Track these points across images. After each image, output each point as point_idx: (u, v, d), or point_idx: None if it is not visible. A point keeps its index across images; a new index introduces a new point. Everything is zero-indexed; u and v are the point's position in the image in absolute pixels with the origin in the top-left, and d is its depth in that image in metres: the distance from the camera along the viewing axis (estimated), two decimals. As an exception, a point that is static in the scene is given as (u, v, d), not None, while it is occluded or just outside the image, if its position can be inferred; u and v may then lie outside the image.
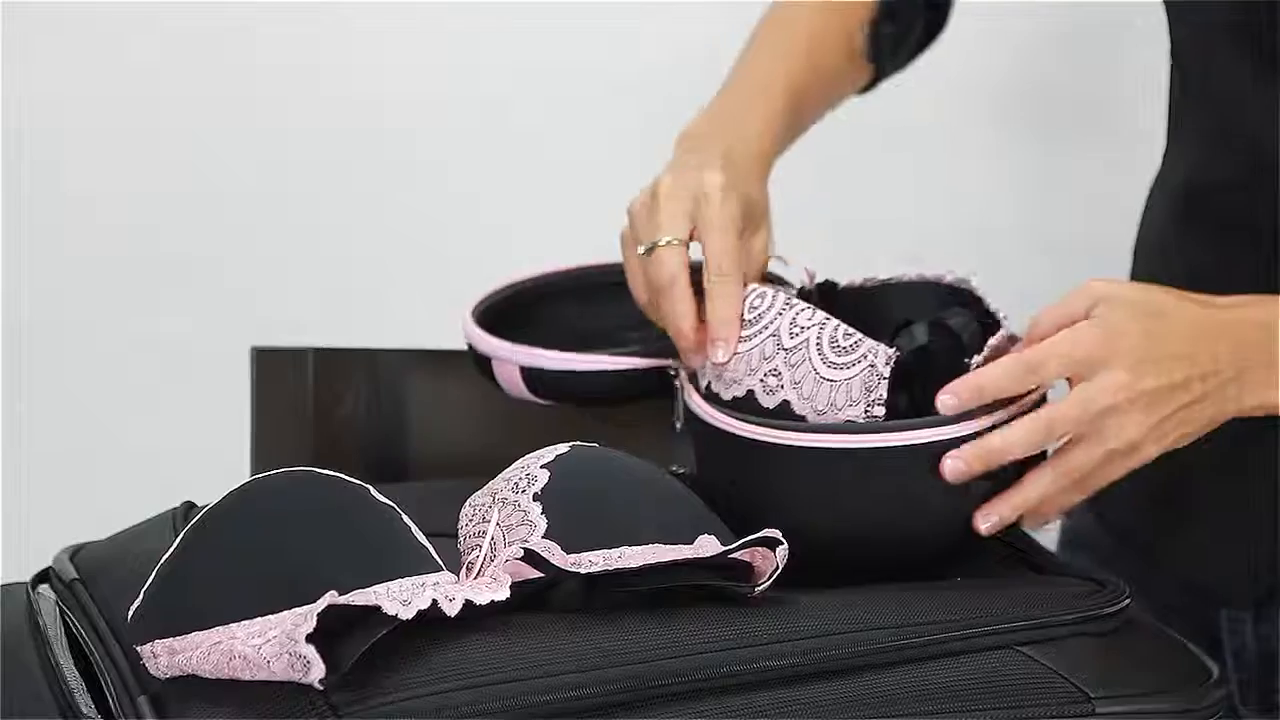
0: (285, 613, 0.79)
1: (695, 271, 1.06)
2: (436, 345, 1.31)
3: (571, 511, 0.89)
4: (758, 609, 0.88)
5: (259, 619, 0.79)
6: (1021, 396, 0.98)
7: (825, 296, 1.08)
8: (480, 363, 1.15)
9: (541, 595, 0.86)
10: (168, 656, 0.80)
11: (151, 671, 0.81)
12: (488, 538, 0.89)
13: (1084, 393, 0.96)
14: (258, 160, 1.69)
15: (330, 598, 0.78)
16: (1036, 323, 0.99)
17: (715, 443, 1.00)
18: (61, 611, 0.93)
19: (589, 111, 1.71)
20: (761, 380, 0.98)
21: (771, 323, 0.99)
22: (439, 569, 0.85)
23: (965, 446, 0.95)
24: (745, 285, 1.03)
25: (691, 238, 1.06)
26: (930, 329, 1.03)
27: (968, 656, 0.88)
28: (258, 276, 1.71)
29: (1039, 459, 0.98)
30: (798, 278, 1.11)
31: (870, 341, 0.97)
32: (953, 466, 0.95)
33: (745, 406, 0.99)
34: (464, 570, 0.87)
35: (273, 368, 1.26)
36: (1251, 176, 1.12)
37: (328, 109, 1.69)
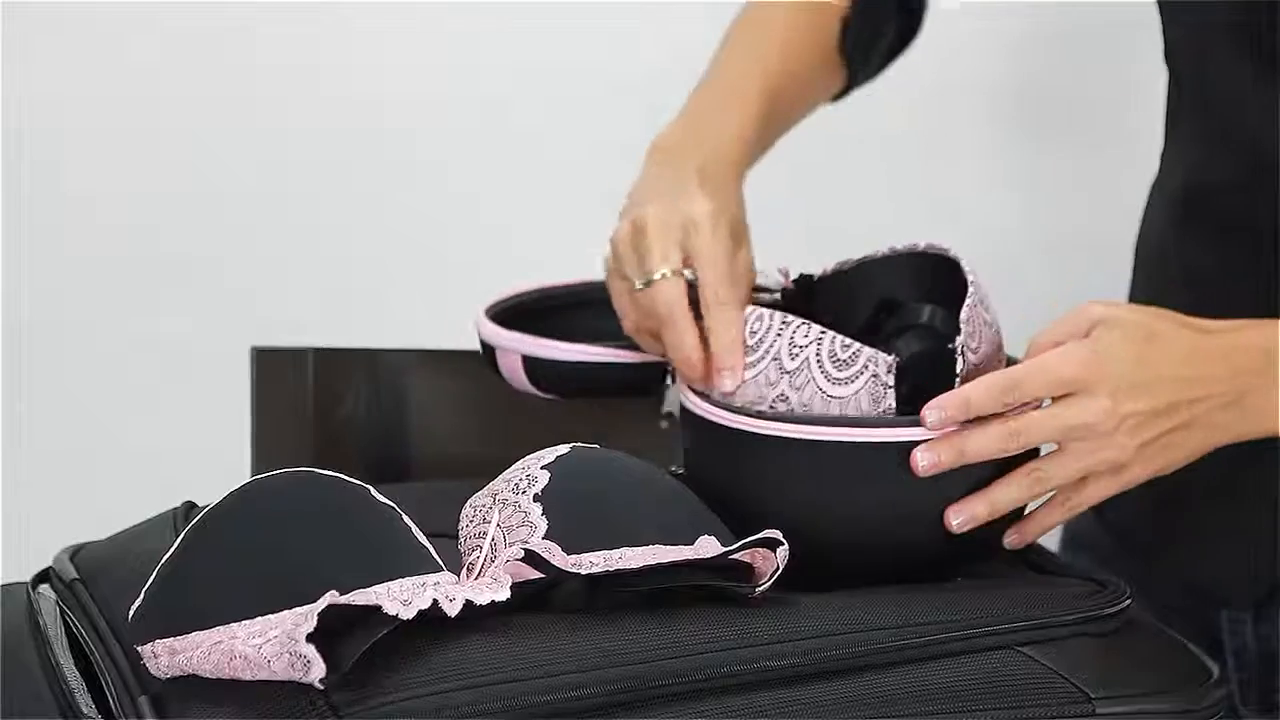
0: (286, 612, 0.79)
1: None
2: (436, 345, 1.31)
3: (572, 512, 0.89)
4: (758, 609, 0.88)
5: (259, 619, 0.79)
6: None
7: (805, 290, 1.08)
8: (488, 355, 1.16)
9: (542, 596, 0.86)
10: (168, 656, 0.80)
11: (152, 671, 0.81)
12: (488, 538, 0.89)
13: (1060, 408, 0.96)
14: (258, 160, 1.69)
15: (331, 597, 0.78)
16: (1036, 345, 0.99)
17: (704, 435, 1.00)
18: (61, 611, 0.93)
19: (589, 112, 1.71)
20: (771, 406, 0.98)
21: (771, 345, 0.99)
22: (439, 569, 0.85)
23: (936, 440, 0.95)
24: (743, 307, 1.03)
25: (684, 264, 1.06)
26: (920, 334, 1.03)
27: (968, 657, 0.88)
28: (258, 276, 1.71)
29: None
30: (773, 280, 1.11)
31: (868, 350, 0.97)
32: (924, 458, 0.95)
33: None
34: (464, 570, 0.87)
35: (273, 368, 1.26)
36: (1251, 177, 1.12)
37: (328, 109, 1.69)
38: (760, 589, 0.89)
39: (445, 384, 1.30)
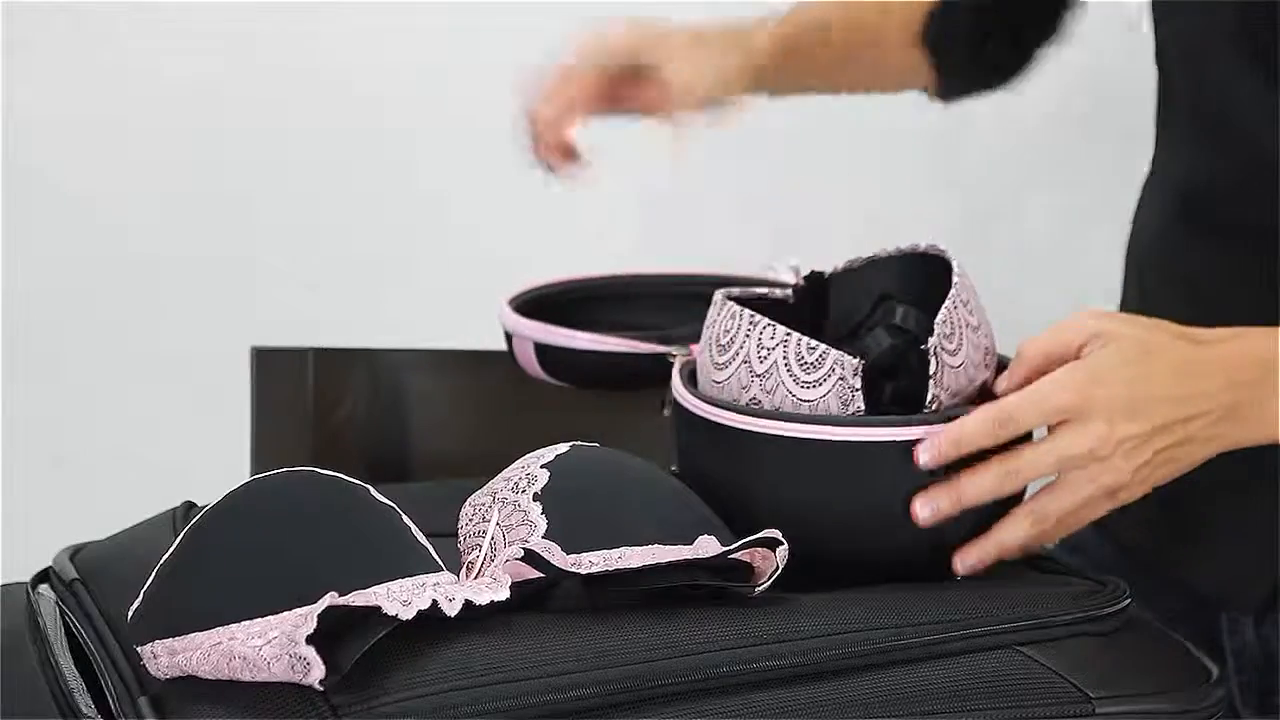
0: (285, 613, 0.79)
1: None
2: (436, 345, 1.31)
3: (571, 512, 0.89)
4: (758, 609, 0.88)
5: (259, 620, 0.79)
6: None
7: (815, 287, 1.08)
8: (507, 343, 1.20)
9: (541, 595, 0.86)
10: (168, 657, 0.80)
11: (152, 672, 0.81)
12: (488, 538, 0.89)
13: (1057, 441, 0.96)
14: (258, 160, 1.69)
15: (330, 598, 0.78)
16: (1023, 356, 0.99)
17: (691, 428, 1.00)
18: (61, 611, 0.93)
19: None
20: (747, 405, 0.98)
21: (742, 347, 0.98)
22: (439, 569, 0.85)
23: (934, 489, 0.95)
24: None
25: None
26: (889, 331, 1.03)
27: (968, 657, 0.88)
28: (258, 276, 1.71)
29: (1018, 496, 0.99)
30: (785, 275, 1.11)
31: (835, 353, 0.96)
32: (923, 510, 0.95)
33: None
34: (464, 570, 0.87)
35: (273, 368, 1.26)
36: (1249, 177, 1.12)
37: (328, 109, 1.69)
38: (760, 589, 0.89)
39: (445, 384, 1.30)
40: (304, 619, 0.77)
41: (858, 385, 0.96)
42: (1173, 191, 1.20)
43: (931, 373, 0.96)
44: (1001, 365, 1.02)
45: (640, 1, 1.69)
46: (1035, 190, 1.75)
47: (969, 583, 0.98)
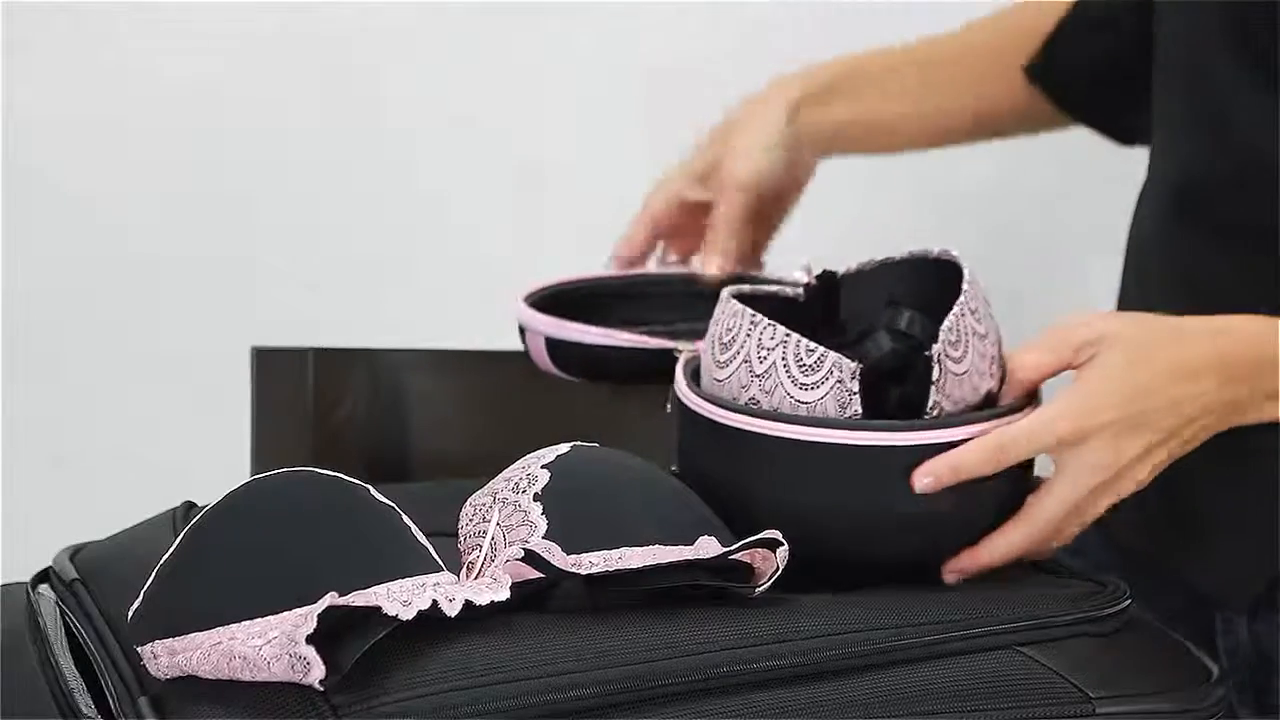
0: (285, 613, 0.79)
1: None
2: (436, 345, 1.31)
3: (572, 512, 0.89)
4: (758, 609, 0.88)
5: (259, 620, 0.79)
6: (1022, 405, 0.98)
7: (827, 287, 1.08)
8: (521, 337, 1.21)
9: (542, 596, 0.86)
10: (168, 657, 0.80)
11: (152, 672, 0.81)
12: (488, 538, 0.89)
13: (1067, 482, 0.98)
14: (258, 160, 1.69)
15: (330, 598, 0.78)
16: (1019, 364, 0.99)
17: (691, 425, 1.01)
18: (61, 611, 0.93)
19: (590, 111, 1.71)
20: (746, 405, 0.98)
21: (743, 347, 0.98)
22: (439, 569, 0.85)
23: (938, 465, 0.95)
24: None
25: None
26: (892, 336, 1.03)
27: (968, 657, 0.88)
28: (258, 276, 1.71)
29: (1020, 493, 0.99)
30: (796, 274, 1.12)
31: (833, 355, 0.96)
32: (926, 478, 0.95)
33: None
34: (464, 570, 0.87)
35: (273, 368, 1.26)
36: (1246, 175, 1.12)
37: (328, 109, 1.69)
38: (760, 589, 0.89)
39: (445, 384, 1.30)
40: (304, 619, 0.77)
41: (855, 389, 0.96)
42: (1170, 189, 1.20)
43: (934, 379, 0.96)
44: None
45: (641, 1, 1.69)
46: (1037, 187, 1.75)
47: (969, 583, 0.98)
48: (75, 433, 1.71)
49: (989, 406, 0.99)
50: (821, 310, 1.07)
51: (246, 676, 0.78)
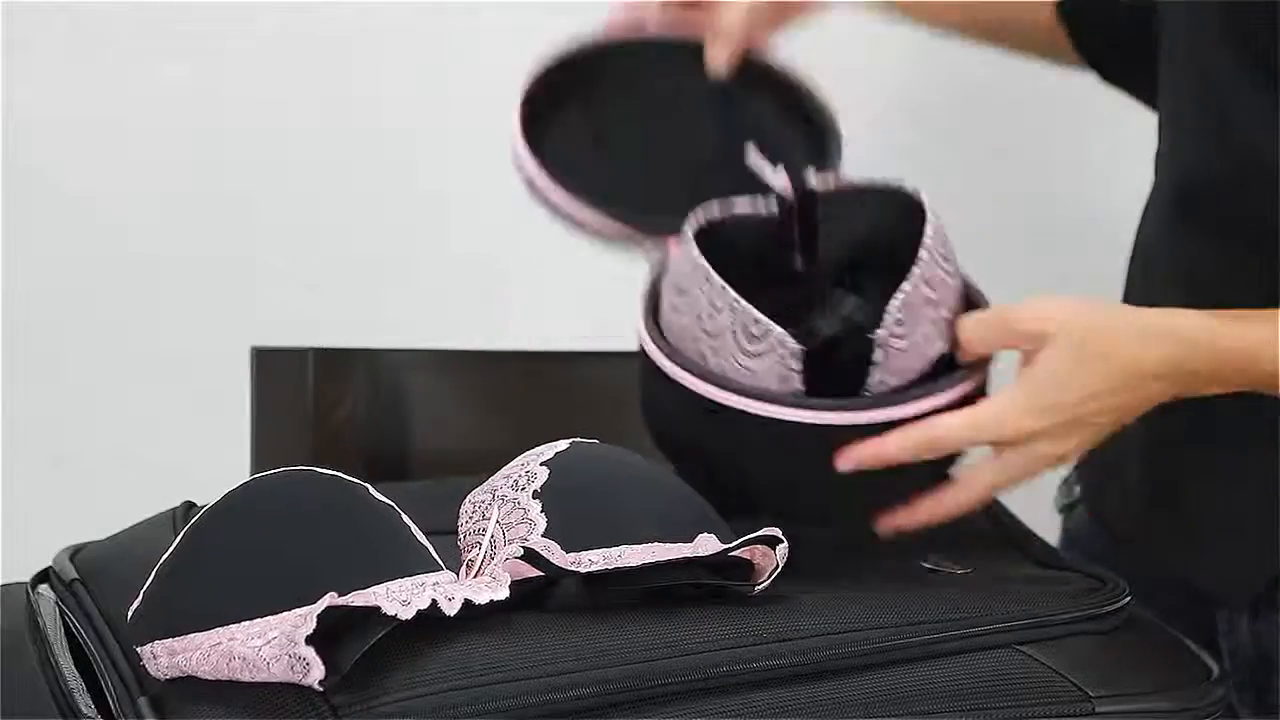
0: (285, 614, 0.79)
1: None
2: (436, 345, 1.31)
3: (571, 509, 0.89)
4: (758, 608, 0.88)
5: (259, 620, 0.79)
6: (971, 374, 1.00)
7: (806, 206, 1.09)
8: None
9: (541, 594, 0.86)
10: (167, 657, 0.80)
11: (151, 672, 0.81)
12: (487, 535, 0.89)
13: (1004, 466, 1.00)
14: (257, 160, 1.69)
15: (330, 598, 0.77)
16: (965, 339, 1.01)
17: (646, 368, 1.03)
18: (61, 611, 0.93)
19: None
20: (695, 356, 1.01)
21: (696, 300, 1.00)
22: (438, 568, 0.85)
23: (861, 452, 0.97)
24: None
25: None
26: (834, 322, 1.04)
27: (967, 656, 0.88)
28: (258, 276, 1.71)
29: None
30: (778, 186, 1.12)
31: (778, 331, 0.98)
32: (848, 462, 0.97)
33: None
34: (463, 569, 0.87)
35: (273, 368, 1.26)
36: (1249, 178, 1.12)
37: (328, 109, 1.69)
38: (760, 587, 0.89)
39: (445, 384, 1.31)
40: (304, 619, 0.77)
41: (797, 368, 0.98)
42: (1172, 188, 1.20)
43: (876, 360, 0.98)
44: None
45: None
46: (1036, 187, 1.75)
47: (968, 582, 0.98)
48: (75, 433, 1.71)
49: (943, 370, 1.00)
50: (800, 233, 1.08)
51: (246, 677, 0.78)
